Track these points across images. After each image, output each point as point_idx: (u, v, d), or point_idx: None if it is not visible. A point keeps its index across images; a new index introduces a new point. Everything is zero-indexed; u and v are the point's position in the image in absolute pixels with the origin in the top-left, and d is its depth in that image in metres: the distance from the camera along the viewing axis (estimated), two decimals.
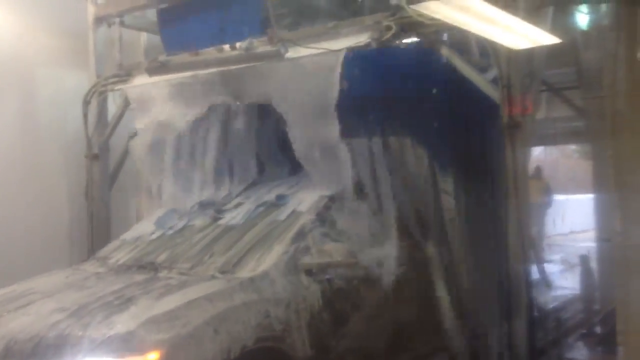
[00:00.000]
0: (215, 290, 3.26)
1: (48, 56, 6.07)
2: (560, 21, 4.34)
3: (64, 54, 6.14)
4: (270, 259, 3.61)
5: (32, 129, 5.96)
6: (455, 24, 3.54)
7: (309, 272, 3.64)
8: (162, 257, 3.97)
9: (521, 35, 3.70)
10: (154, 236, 4.39)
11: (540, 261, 5.73)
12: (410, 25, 4.04)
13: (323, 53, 4.18)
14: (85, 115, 5.76)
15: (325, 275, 3.70)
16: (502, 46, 3.80)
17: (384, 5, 4.31)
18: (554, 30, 3.93)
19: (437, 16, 3.47)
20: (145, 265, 3.88)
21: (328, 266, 3.65)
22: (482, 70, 4.45)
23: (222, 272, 3.57)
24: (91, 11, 5.91)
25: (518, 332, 3.99)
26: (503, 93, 3.89)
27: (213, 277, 3.53)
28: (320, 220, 3.96)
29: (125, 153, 6.00)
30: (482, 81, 4.02)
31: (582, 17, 4.76)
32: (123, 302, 3.18)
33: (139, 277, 3.67)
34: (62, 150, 6.08)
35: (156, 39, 6.66)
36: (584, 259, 6.14)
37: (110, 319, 2.98)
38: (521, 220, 3.96)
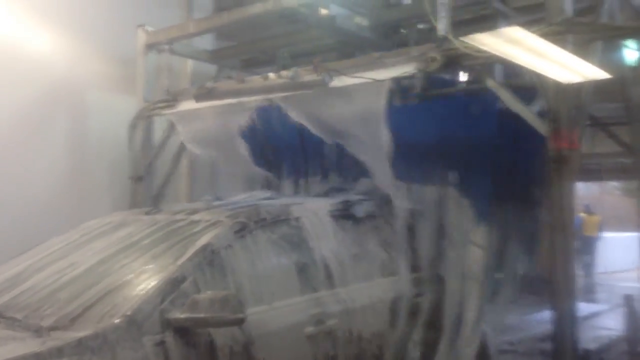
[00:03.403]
0: (16, 358, 2.28)
1: (99, 81, 6.29)
2: (609, 56, 4.29)
3: (114, 79, 6.35)
4: (120, 311, 2.62)
5: (81, 150, 6.15)
6: (503, 56, 3.54)
7: (181, 331, 2.69)
8: (2, 301, 3.00)
9: (570, 69, 3.67)
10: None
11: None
12: (457, 57, 4.04)
13: (368, 83, 4.22)
14: (131, 138, 5.91)
15: (207, 337, 2.76)
16: (550, 79, 3.78)
17: (430, 37, 4.33)
18: (602, 65, 3.89)
19: (485, 48, 3.48)
20: None
21: (202, 324, 2.69)
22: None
23: (54, 327, 2.58)
24: (142, 38, 6.12)
25: None
26: (550, 127, 3.84)
27: (36, 334, 2.54)
28: (218, 257, 3.01)
29: (169, 175, 6.13)
30: (529, 114, 3.97)
31: (631, 53, 4.70)
32: None
33: None
34: (108, 172, 6.25)
35: (201, 65, 6.87)
36: (628, 299, 5.96)
37: None
38: (567, 256, 3.86)
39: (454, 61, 4.08)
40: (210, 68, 6.99)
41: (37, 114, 5.80)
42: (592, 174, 7.65)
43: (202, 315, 2.63)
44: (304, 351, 3.14)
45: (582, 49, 3.70)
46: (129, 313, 2.60)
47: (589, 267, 11.53)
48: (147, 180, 6.02)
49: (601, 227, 12.07)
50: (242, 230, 3.23)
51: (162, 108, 5.80)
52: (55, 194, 5.80)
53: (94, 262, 3.15)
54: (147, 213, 3.69)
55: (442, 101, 4.55)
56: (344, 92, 4.37)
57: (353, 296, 3.55)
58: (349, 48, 5.70)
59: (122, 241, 3.34)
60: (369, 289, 3.70)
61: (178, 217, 3.52)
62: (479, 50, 3.66)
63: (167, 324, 2.66)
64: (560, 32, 3.65)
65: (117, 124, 6.13)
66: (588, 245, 11.32)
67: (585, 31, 3.82)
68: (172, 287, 2.77)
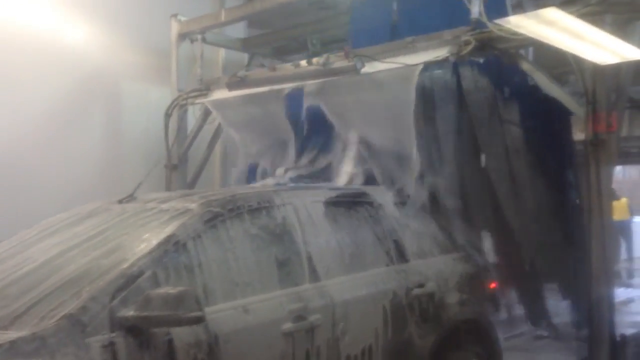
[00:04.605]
0: None
1: (133, 71, 6.41)
2: None
3: (148, 69, 6.46)
4: (64, 309, 2.37)
5: (116, 139, 6.30)
6: (538, 38, 3.48)
7: (133, 331, 2.44)
8: None
9: (608, 49, 3.60)
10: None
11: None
12: (491, 40, 3.99)
13: (400, 67, 4.21)
14: (166, 127, 5.99)
15: (166, 336, 2.51)
16: (587, 61, 3.71)
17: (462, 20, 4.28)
18: None
19: (520, 30, 3.44)
20: None
21: (155, 323, 2.44)
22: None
23: None
24: (175, 28, 6.19)
25: (600, 358, 3.83)
26: (588, 109, 3.77)
27: None
28: (183, 249, 2.76)
29: (203, 163, 6.23)
30: (565, 97, 3.92)
31: None
32: None
33: None
34: (144, 160, 6.36)
35: (233, 54, 6.92)
36: None
37: None
38: (604, 241, 3.81)
39: (488, 44, 4.04)
40: (242, 56, 7.04)
41: (73, 104, 5.95)
42: (629, 157, 7.48)
43: (154, 313, 2.37)
44: (280, 350, 2.89)
45: (621, 29, 3.62)
46: (71, 312, 2.35)
47: (626, 251, 11.33)
48: (181, 168, 6.12)
49: (631, 209, 11.84)
50: (213, 220, 2.96)
51: (195, 97, 5.88)
52: (91, 182, 5.93)
53: (50, 256, 2.88)
54: (119, 202, 3.51)
55: None
56: (375, 78, 4.37)
57: (340, 289, 3.26)
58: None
59: (85, 233, 3.08)
60: (359, 281, 3.39)
61: (149, 206, 3.25)
62: (514, 33, 3.62)
63: (118, 324, 2.41)
64: (599, 12, 3.58)
65: (152, 113, 6.25)
66: (621, 230, 11.10)
67: (624, 11, 3.73)
68: (125, 282, 2.52)
